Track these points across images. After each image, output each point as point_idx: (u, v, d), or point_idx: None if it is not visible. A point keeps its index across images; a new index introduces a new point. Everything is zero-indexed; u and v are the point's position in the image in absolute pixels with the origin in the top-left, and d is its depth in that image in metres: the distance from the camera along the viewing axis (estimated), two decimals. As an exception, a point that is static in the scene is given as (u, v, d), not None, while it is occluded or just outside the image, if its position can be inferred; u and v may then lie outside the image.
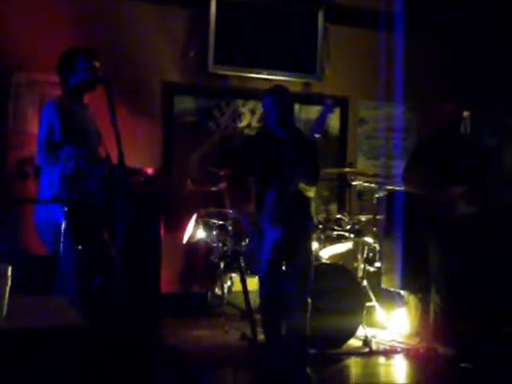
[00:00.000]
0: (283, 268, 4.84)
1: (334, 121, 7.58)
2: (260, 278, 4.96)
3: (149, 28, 6.82)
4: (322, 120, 4.83)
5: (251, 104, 7.24)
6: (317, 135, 4.74)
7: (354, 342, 5.78)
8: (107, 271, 4.51)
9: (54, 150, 4.57)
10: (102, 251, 4.59)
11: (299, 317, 4.75)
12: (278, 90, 4.97)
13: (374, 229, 6.23)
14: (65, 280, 4.30)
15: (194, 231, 6.26)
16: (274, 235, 4.73)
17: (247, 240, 5.65)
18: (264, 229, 4.80)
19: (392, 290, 6.23)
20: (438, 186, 5.54)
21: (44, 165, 4.66)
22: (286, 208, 4.65)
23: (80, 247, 4.46)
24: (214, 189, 6.26)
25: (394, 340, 5.94)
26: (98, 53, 4.88)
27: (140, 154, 6.12)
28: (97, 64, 4.74)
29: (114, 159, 4.16)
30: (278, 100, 4.81)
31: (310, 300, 4.80)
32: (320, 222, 5.90)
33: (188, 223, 6.23)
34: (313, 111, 7.42)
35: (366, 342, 5.73)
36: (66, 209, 4.32)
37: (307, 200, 4.84)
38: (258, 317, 5.36)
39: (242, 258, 5.68)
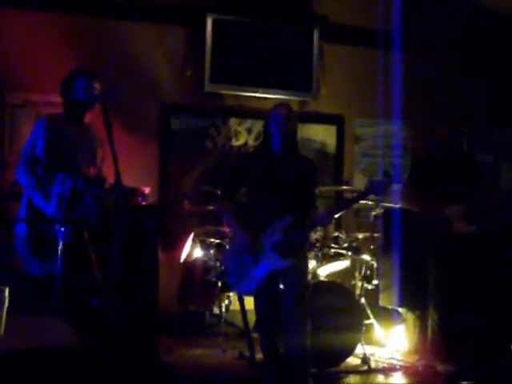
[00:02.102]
0: (279, 285, 4.80)
1: (330, 138, 7.60)
2: (254, 296, 4.92)
3: (145, 48, 6.85)
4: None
5: (247, 123, 7.26)
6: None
7: (353, 360, 5.75)
8: (103, 291, 4.50)
9: (35, 164, 4.59)
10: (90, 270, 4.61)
11: (298, 334, 4.70)
12: (284, 104, 4.97)
13: (372, 246, 6.22)
14: (61, 300, 4.28)
15: (191, 250, 6.25)
16: (279, 264, 4.66)
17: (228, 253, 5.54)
18: (264, 253, 4.70)
19: (390, 307, 6.21)
20: (435, 204, 5.54)
21: (25, 185, 4.67)
22: (290, 241, 4.65)
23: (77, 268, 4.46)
24: (211, 207, 6.24)
25: (392, 358, 5.92)
26: (98, 74, 4.88)
27: (137, 173, 6.12)
28: (96, 85, 4.74)
29: (110, 179, 4.16)
30: (284, 112, 4.79)
31: (308, 317, 4.76)
32: (317, 240, 5.89)
33: (185, 242, 6.22)
34: (308, 130, 7.44)
35: (365, 359, 5.70)
36: (62, 229, 4.31)
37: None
38: (256, 336, 5.34)
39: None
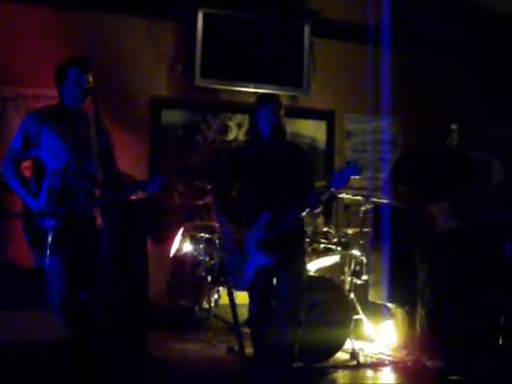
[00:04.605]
0: (273, 284, 4.77)
1: (320, 134, 7.61)
2: (249, 292, 4.90)
3: (136, 42, 6.84)
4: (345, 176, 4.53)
5: (238, 117, 7.25)
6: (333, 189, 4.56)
7: (342, 355, 5.77)
8: (93, 284, 4.49)
9: (18, 160, 4.56)
10: (87, 264, 4.58)
11: (290, 333, 4.67)
12: (274, 98, 4.93)
13: (361, 242, 6.23)
14: (51, 294, 4.27)
15: (180, 244, 6.24)
16: (263, 261, 4.63)
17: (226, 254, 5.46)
18: (250, 251, 4.66)
19: (379, 302, 6.23)
20: (421, 201, 5.55)
21: (7, 180, 4.61)
22: (280, 235, 4.60)
23: (67, 262, 4.44)
24: (200, 202, 6.24)
25: (381, 353, 5.94)
26: (91, 65, 4.82)
27: (126, 167, 6.10)
28: (88, 76, 4.67)
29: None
30: (275, 107, 4.76)
31: (301, 317, 4.73)
32: (307, 235, 5.88)
33: (175, 236, 6.22)
34: (298, 125, 7.45)
35: (354, 354, 5.72)
36: (52, 223, 4.30)
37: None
38: (245, 330, 5.34)
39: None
